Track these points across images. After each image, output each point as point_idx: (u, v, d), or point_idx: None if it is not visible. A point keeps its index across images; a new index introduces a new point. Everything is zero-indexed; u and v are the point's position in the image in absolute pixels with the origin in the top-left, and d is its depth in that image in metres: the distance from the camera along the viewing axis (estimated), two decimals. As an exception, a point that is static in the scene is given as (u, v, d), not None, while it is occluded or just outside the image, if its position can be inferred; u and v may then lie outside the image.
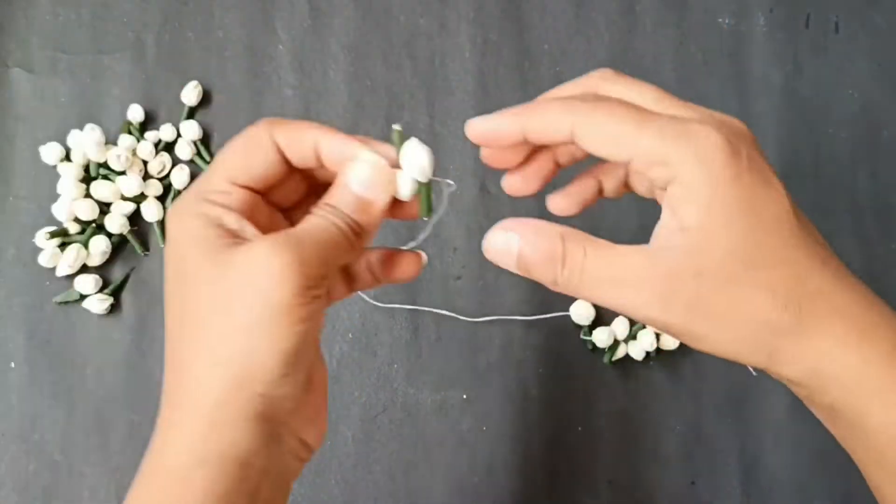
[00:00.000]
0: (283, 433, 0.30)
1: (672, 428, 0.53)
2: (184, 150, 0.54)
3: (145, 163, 0.54)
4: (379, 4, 0.57)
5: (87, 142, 0.53)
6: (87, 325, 0.53)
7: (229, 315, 0.28)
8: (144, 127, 0.55)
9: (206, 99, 0.56)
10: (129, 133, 0.54)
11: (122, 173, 0.53)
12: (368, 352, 0.53)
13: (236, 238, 0.29)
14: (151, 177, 0.54)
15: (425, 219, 0.32)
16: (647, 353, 0.53)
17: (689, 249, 0.28)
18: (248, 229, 0.30)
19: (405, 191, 0.31)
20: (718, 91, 0.57)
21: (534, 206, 0.39)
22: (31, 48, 0.56)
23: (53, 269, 0.52)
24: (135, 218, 0.54)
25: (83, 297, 0.52)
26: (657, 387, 0.54)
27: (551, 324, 0.54)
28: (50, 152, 0.53)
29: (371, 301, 0.53)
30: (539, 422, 0.53)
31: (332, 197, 0.31)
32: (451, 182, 0.32)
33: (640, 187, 0.34)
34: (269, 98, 0.56)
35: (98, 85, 0.55)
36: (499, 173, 0.34)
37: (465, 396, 0.53)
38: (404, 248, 0.34)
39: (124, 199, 0.53)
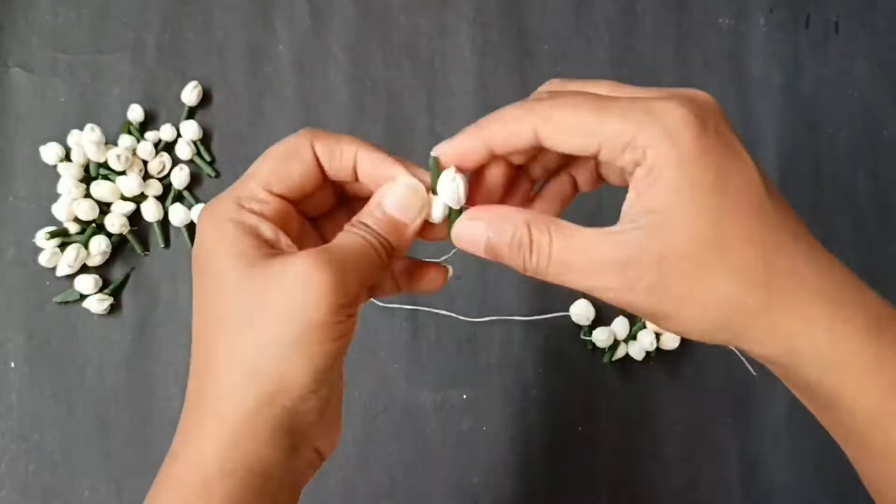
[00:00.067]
0: (301, 444, 0.30)
1: (672, 428, 0.53)
2: (184, 150, 0.54)
3: (145, 163, 0.54)
4: (379, 5, 0.57)
5: (87, 142, 0.53)
6: (87, 325, 0.53)
7: (264, 328, 0.28)
8: (144, 127, 0.55)
9: (206, 99, 0.56)
10: (129, 133, 0.54)
11: (122, 173, 0.53)
12: (368, 352, 0.53)
13: (272, 248, 0.29)
14: (151, 177, 0.54)
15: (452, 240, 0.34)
16: (647, 353, 0.53)
17: (653, 232, 0.27)
18: (284, 240, 0.30)
19: (437, 215, 0.31)
20: (718, 91, 0.57)
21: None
22: (31, 48, 0.56)
23: (53, 269, 0.52)
24: (135, 218, 0.54)
25: (83, 297, 0.52)
26: (657, 387, 0.54)
27: (551, 324, 0.54)
28: (50, 152, 0.53)
29: (371, 301, 0.53)
30: (539, 422, 0.53)
31: (368, 216, 0.31)
32: (451, 269, 0.35)
33: (613, 176, 0.33)
34: (269, 98, 0.56)
35: (98, 85, 0.55)
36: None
37: (465, 396, 0.53)
38: (434, 260, 0.35)
39: (124, 199, 0.53)
